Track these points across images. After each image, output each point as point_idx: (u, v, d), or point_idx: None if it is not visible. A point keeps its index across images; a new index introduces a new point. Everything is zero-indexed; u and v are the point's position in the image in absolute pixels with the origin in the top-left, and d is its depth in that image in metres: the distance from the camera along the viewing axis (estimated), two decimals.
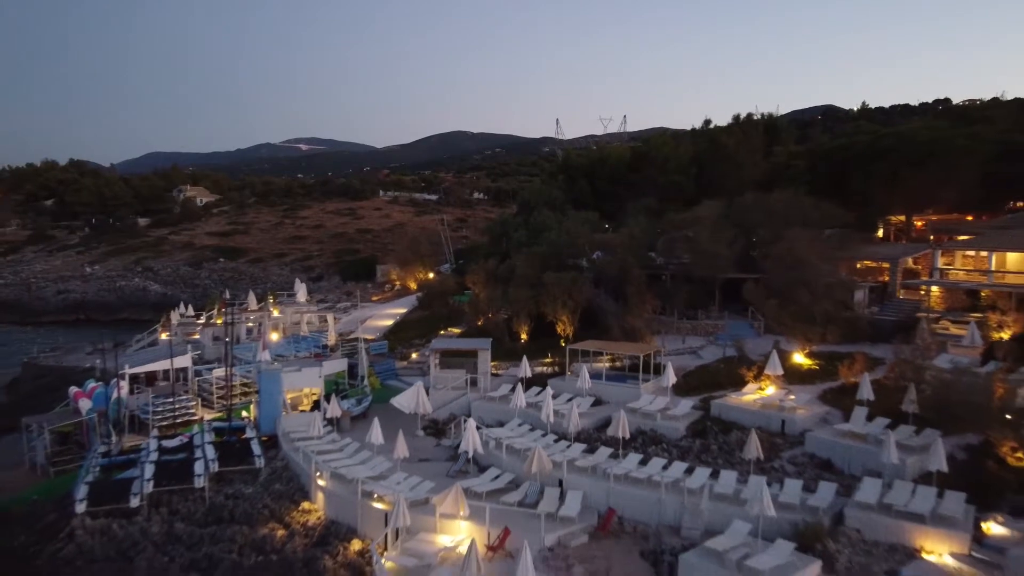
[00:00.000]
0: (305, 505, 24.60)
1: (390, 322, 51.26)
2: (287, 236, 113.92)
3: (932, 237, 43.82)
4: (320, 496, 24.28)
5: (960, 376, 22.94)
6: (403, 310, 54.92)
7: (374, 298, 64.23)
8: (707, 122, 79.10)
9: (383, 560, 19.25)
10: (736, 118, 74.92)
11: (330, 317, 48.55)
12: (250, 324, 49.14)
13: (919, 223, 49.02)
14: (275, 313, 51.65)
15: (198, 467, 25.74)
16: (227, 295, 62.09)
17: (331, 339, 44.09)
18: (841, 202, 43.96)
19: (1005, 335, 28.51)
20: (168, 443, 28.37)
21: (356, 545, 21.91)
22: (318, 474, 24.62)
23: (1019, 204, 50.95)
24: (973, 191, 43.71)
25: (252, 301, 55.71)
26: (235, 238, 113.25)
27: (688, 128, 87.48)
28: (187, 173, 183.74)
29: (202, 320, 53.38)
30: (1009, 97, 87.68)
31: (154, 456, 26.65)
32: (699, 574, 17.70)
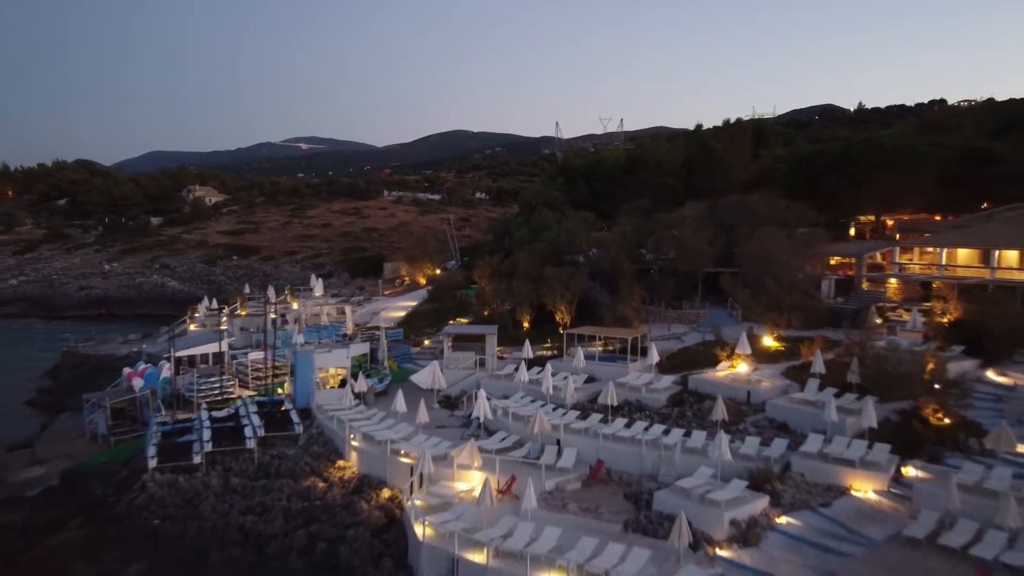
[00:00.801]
0: (340, 463, 28.84)
1: (402, 313, 55.62)
2: (296, 235, 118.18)
3: (898, 235, 48.03)
4: (354, 455, 28.53)
5: (892, 353, 27.19)
6: (414, 303, 59.27)
7: (386, 292, 68.61)
8: (698, 126, 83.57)
9: (413, 499, 23.51)
10: (726, 122, 79.33)
11: (347, 309, 52.81)
12: (273, 316, 53.27)
13: (889, 222, 53.23)
14: (295, 306, 55.91)
15: (247, 431, 30.03)
16: (247, 290, 66.60)
17: (349, 328, 48.37)
18: (818, 203, 48.34)
19: (945, 320, 32.77)
20: (217, 414, 32.65)
21: (386, 493, 26.09)
22: (352, 436, 28.89)
23: (986, 205, 55.12)
24: (934, 193, 47.93)
25: (272, 296, 59.90)
26: (246, 237, 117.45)
27: (687, 128, 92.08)
28: (195, 173, 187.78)
29: (225, 313, 57.69)
30: (1003, 98, 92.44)
31: (208, 424, 30.90)
32: (669, 506, 21.88)
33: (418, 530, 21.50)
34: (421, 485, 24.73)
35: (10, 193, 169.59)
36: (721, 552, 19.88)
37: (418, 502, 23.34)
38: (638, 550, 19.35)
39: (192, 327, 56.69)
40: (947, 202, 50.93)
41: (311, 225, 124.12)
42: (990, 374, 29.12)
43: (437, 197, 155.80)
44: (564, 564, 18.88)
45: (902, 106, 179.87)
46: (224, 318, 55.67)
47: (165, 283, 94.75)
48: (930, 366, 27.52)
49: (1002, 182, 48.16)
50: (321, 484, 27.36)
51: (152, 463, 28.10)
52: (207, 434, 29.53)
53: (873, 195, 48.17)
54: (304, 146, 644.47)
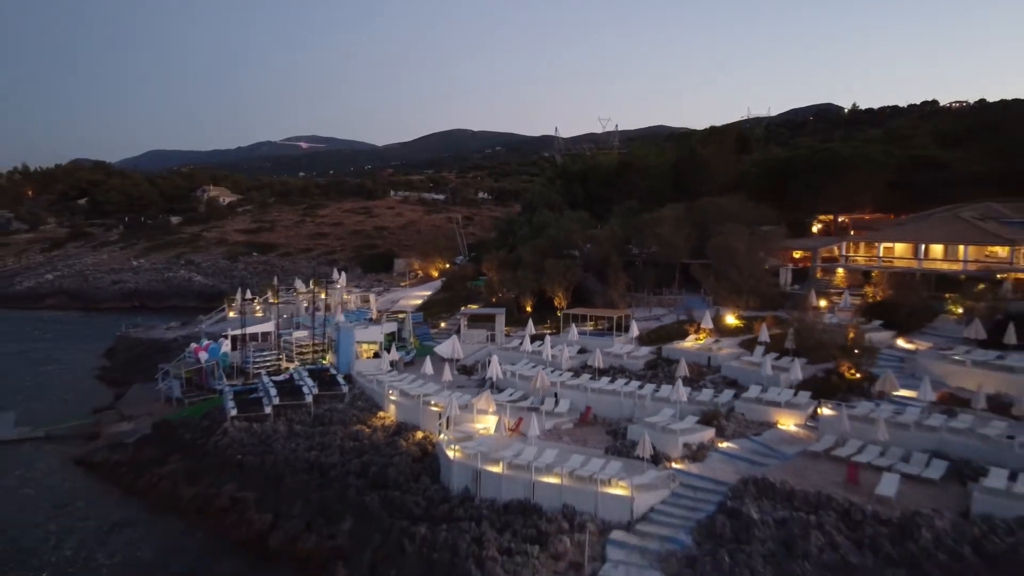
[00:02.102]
0: (381, 414, 35.91)
1: (419, 301, 62.73)
2: (310, 233, 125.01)
3: (852, 232, 55.14)
4: (392, 407, 35.65)
5: (818, 325, 34.37)
6: (428, 292, 66.43)
7: (403, 284, 75.87)
8: (687, 132, 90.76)
9: (444, 433, 30.62)
10: (711, 128, 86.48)
11: (372, 297, 59.95)
12: (306, 304, 60.46)
13: (847, 220, 60.30)
14: (323, 295, 62.99)
15: (304, 390, 37.14)
16: (276, 281, 73.68)
17: (374, 313, 55.50)
18: (786, 203, 55.39)
19: (870, 300, 39.94)
20: (276, 378, 39.74)
21: (419, 435, 33.10)
22: (390, 392, 36.00)
23: (946, 206, 62.02)
24: (886, 196, 55.04)
25: (300, 287, 67.11)
26: (263, 235, 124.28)
27: (686, 127, 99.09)
28: (207, 174, 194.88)
29: (259, 302, 64.94)
30: (996, 99, 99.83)
31: (271, 385, 38.01)
32: (639, 435, 28.80)
33: (449, 453, 28.54)
34: (449, 426, 31.82)
35: (29, 193, 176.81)
36: (675, 465, 26.99)
37: (449, 436, 30.42)
38: (614, 462, 26.49)
39: (231, 315, 63.79)
40: (898, 203, 57.95)
41: (323, 224, 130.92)
42: (900, 342, 36.29)
43: (442, 197, 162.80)
44: (559, 471, 25.94)
45: (895, 107, 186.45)
46: (258, 306, 62.93)
47: (191, 278, 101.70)
48: (851, 335, 34.64)
49: (944, 186, 55.24)
50: (367, 430, 34.38)
51: (232, 413, 35.19)
52: (274, 391, 36.62)
53: (831, 197, 55.24)
54: (304, 145, 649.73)
